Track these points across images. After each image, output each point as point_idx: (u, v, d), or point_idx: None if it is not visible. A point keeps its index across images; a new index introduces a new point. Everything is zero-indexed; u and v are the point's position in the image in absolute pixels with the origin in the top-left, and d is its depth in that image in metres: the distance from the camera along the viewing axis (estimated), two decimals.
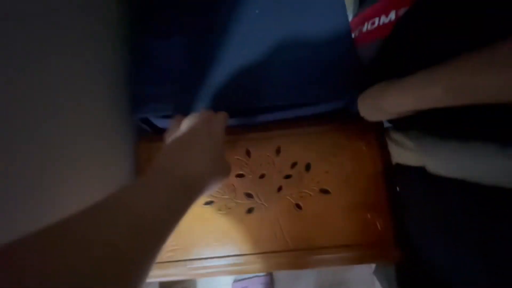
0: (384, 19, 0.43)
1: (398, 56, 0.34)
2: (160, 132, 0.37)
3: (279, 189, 0.40)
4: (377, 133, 0.41)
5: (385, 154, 0.40)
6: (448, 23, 0.26)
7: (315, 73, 0.38)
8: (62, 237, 0.16)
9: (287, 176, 0.40)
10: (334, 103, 0.39)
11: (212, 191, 0.29)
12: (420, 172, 0.31)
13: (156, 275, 0.39)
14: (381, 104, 0.30)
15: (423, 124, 0.32)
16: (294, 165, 0.41)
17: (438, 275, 0.30)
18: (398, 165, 0.37)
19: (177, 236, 0.39)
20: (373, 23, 0.45)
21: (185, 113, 0.33)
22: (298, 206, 0.39)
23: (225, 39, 0.40)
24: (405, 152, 0.34)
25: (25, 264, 0.14)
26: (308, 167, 0.41)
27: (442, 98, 0.22)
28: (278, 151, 0.41)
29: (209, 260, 0.39)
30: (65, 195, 0.29)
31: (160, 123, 0.41)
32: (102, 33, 0.38)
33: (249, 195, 0.40)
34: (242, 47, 0.39)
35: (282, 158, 0.41)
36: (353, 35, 0.42)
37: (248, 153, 0.42)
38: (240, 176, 0.41)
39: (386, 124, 0.42)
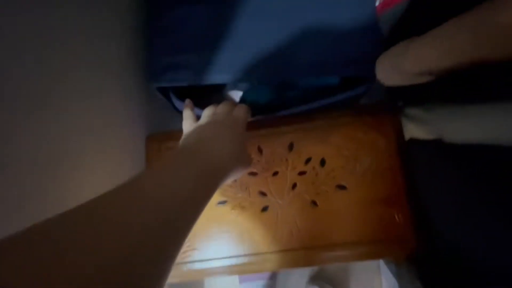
0: None
1: (419, 19, 0.33)
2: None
3: (294, 186, 0.39)
4: (394, 125, 0.39)
5: (402, 146, 0.38)
6: None
7: (339, 48, 0.37)
8: (98, 218, 0.16)
9: (301, 173, 0.39)
10: (355, 90, 0.37)
11: (233, 179, 0.30)
12: (436, 145, 0.30)
13: (173, 275, 0.39)
14: (402, 63, 0.28)
15: (439, 93, 0.31)
16: (308, 161, 0.39)
17: (466, 263, 0.29)
18: (412, 142, 0.35)
19: (192, 237, 0.39)
20: None
21: (203, 82, 0.33)
22: (314, 202, 0.38)
23: (247, 9, 0.38)
24: (421, 126, 0.32)
25: (68, 240, 0.14)
26: (323, 162, 0.39)
27: (470, 46, 0.21)
28: (290, 147, 0.40)
29: (225, 259, 0.38)
30: (74, 188, 0.29)
31: (180, 105, 0.39)
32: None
33: (263, 193, 0.39)
34: (266, 19, 0.38)
35: (295, 154, 0.40)
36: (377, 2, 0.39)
37: (260, 150, 0.41)
38: (252, 174, 0.40)
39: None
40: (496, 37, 0.19)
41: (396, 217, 0.37)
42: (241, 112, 0.32)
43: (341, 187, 0.38)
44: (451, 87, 0.29)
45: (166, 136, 0.43)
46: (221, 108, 0.32)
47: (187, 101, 0.36)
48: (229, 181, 0.29)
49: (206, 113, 0.32)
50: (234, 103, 0.33)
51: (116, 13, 0.38)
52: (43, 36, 0.25)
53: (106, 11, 0.35)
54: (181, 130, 0.34)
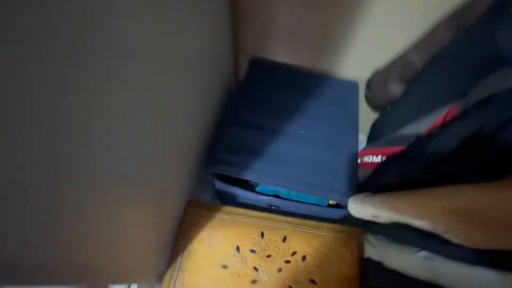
0: (375, 159, 0.62)
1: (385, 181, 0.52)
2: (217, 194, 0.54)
3: (279, 270, 0.52)
4: (359, 245, 0.55)
5: (363, 264, 0.53)
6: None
7: (328, 177, 0.56)
8: None
9: (287, 261, 0.53)
10: (334, 212, 0.55)
11: None
12: (378, 266, 0.44)
13: None
14: (369, 207, 0.45)
15: (385, 230, 0.47)
16: (294, 253, 0.54)
17: None
18: (367, 260, 0.50)
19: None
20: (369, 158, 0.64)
21: (243, 177, 0.51)
22: None
23: (280, 137, 0.60)
24: (372, 249, 0.47)
25: None
26: (304, 258, 0.54)
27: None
28: (284, 239, 0.55)
29: None
30: None
31: (219, 185, 0.57)
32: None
33: (256, 269, 0.52)
34: (288, 144, 0.59)
35: (286, 246, 0.55)
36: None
37: (262, 234, 0.56)
38: (252, 251, 0.54)
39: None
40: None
41: None
42: None
43: (313, 282, 0.51)
44: (394, 229, 0.45)
45: (203, 205, 0.59)
46: None
47: None
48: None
49: None
50: None
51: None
52: None
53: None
54: (212, 204, 0.51)
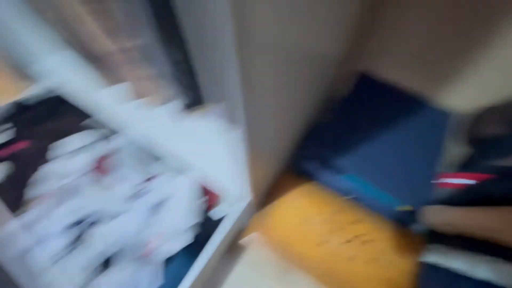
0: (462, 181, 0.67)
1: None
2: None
3: (347, 241, 0.65)
4: (417, 251, 0.63)
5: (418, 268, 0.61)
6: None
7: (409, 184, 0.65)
8: None
9: (349, 240, 0.65)
10: (402, 215, 0.64)
11: None
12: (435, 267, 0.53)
13: None
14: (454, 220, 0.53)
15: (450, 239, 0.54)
16: (358, 236, 0.65)
17: None
18: (424, 263, 0.58)
19: None
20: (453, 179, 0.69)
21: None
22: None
23: (372, 141, 0.71)
24: (431, 254, 0.55)
25: None
26: (364, 243, 0.64)
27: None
28: (353, 222, 0.67)
29: None
30: None
31: (310, 167, 0.72)
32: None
33: (326, 233, 0.66)
34: (378, 148, 0.70)
35: (355, 227, 0.66)
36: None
37: (335, 212, 0.69)
38: (325, 220, 0.68)
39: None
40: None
41: None
42: None
43: (369, 262, 0.62)
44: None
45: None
46: None
47: None
48: None
49: None
50: None
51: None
52: None
53: None
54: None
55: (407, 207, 0.67)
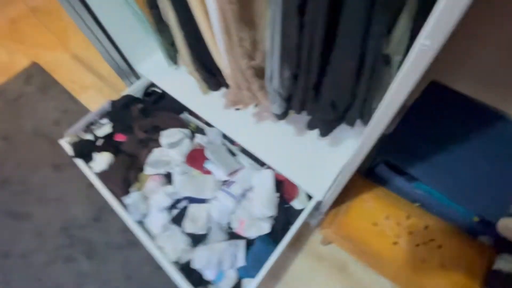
0: None
1: None
2: (379, 180, 0.76)
3: (417, 245, 0.70)
4: (489, 260, 0.65)
5: (489, 277, 0.64)
6: None
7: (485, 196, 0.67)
8: None
9: (425, 243, 0.70)
10: (476, 225, 0.67)
11: None
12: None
13: None
14: None
15: None
16: (432, 240, 0.70)
17: None
18: (496, 271, 0.61)
19: None
20: None
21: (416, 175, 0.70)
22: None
23: (449, 151, 0.74)
24: (504, 263, 0.59)
25: None
26: (440, 247, 0.69)
27: None
28: (426, 227, 0.72)
29: None
30: None
31: (384, 173, 0.79)
32: None
33: (398, 236, 0.72)
34: (455, 159, 0.73)
35: (426, 232, 0.71)
36: None
37: (407, 217, 0.74)
38: (398, 224, 0.73)
39: None
40: None
41: None
42: None
43: (442, 266, 0.67)
44: None
45: (364, 179, 0.81)
46: None
47: None
48: None
49: None
50: None
51: None
52: None
53: None
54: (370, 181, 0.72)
55: (476, 218, 0.70)
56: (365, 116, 0.61)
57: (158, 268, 1.03)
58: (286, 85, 0.59)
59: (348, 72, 0.48)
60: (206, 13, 0.54)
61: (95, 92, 1.60)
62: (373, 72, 0.49)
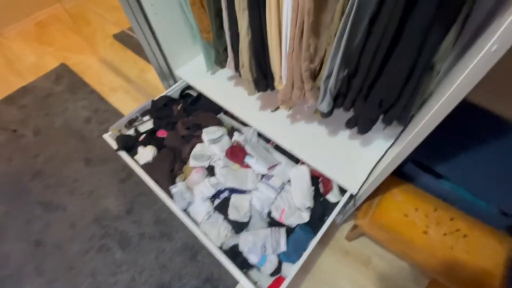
0: None
1: None
2: (406, 177, 0.85)
3: (444, 234, 0.78)
4: (510, 250, 0.74)
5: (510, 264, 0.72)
6: None
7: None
8: None
9: (451, 232, 0.78)
10: (499, 218, 0.76)
11: None
12: None
13: None
14: None
15: None
16: (457, 230, 0.78)
17: None
18: None
19: None
20: None
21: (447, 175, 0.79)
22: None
23: (476, 151, 0.84)
24: None
25: None
26: (465, 236, 0.77)
27: None
28: (451, 219, 0.80)
29: None
30: None
31: (411, 170, 0.88)
32: None
33: (427, 226, 0.80)
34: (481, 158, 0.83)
35: (453, 223, 0.79)
36: None
37: (435, 209, 0.82)
38: (426, 216, 0.81)
39: None
40: None
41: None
42: None
43: (467, 253, 0.75)
44: None
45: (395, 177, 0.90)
46: None
47: None
48: None
49: None
50: None
51: None
52: None
53: None
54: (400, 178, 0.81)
55: (497, 212, 0.78)
56: (403, 117, 0.71)
57: (191, 258, 1.08)
58: (339, 85, 0.69)
59: (401, 75, 0.58)
60: (279, 22, 0.64)
61: (123, 94, 1.68)
62: (421, 76, 0.59)
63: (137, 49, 1.89)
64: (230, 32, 0.79)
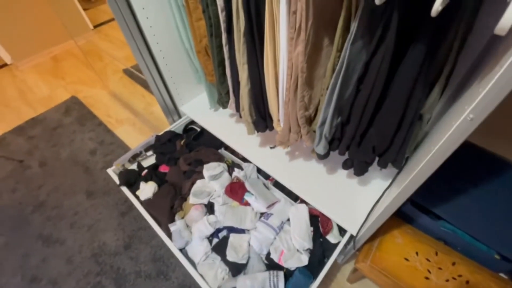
0: None
1: None
2: (405, 218, 0.84)
3: (447, 280, 0.76)
4: None
5: None
6: None
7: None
8: None
9: (454, 278, 0.76)
10: (499, 263, 0.74)
11: None
12: None
13: None
14: None
15: None
16: (459, 276, 0.76)
17: None
18: None
19: None
20: None
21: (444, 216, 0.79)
22: None
23: (475, 195, 0.85)
24: None
25: None
26: (467, 282, 0.75)
27: None
28: (453, 264, 0.79)
29: None
30: None
31: (411, 211, 0.88)
32: None
33: (429, 271, 0.78)
34: (479, 201, 0.83)
35: (454, 268, 0.78)
36: None
37: (436, 253, 0.81)
38: (427, 260, 0.80)
39: None
40: None
41: None
42: None
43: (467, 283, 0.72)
44: None
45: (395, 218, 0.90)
46: None
47: None
48: None
49: None
50: None
51: None
52: None
53: None
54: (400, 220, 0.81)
55: (497, 256, 0.77)
56: (397, 161, 0.73)
57: None
58: (333, 131, 0.72)
59: (391, 126, 0.61)
60: (276, 76, 0.69)
61: (129, 127, 1.74)
62: (410, 126, 0.62)
63: (145, 84, 1.98)
64: (232, 79, 0.85)
